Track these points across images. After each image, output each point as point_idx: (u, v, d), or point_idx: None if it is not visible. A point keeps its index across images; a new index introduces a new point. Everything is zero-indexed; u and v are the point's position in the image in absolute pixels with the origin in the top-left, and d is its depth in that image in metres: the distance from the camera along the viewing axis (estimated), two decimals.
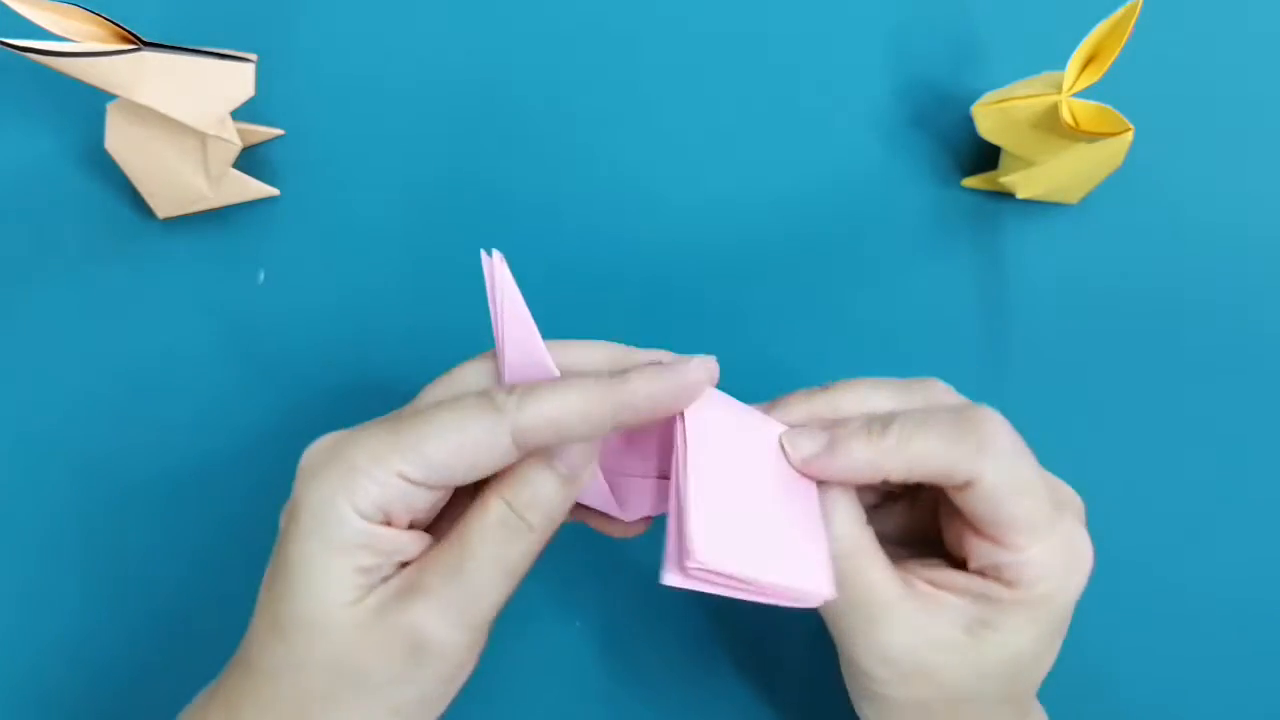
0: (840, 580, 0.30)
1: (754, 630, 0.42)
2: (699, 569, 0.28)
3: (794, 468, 0.32)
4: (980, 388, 0.43)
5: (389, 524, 0.30)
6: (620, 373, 0.30)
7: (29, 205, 0.43)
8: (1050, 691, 0.43)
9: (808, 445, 0.32)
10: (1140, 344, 0.44)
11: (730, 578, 0.28)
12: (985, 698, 0.32)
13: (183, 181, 0.41)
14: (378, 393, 0.43)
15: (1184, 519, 0.43)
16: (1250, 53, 0.45)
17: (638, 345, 0.43)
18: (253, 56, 0.38)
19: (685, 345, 0.43)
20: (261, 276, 0.43)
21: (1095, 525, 0.43)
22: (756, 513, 0.30)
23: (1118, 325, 0.44)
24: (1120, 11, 0.37)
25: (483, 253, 0.31)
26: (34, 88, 0.43)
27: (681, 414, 0.31)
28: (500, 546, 0.30)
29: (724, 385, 0.43)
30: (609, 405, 0.29)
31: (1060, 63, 0.38)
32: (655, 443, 0.33)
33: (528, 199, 0.44)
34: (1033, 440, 0.43)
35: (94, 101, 0.40)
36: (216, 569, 0.41)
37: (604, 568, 0.42)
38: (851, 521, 0.32)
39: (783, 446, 0.32)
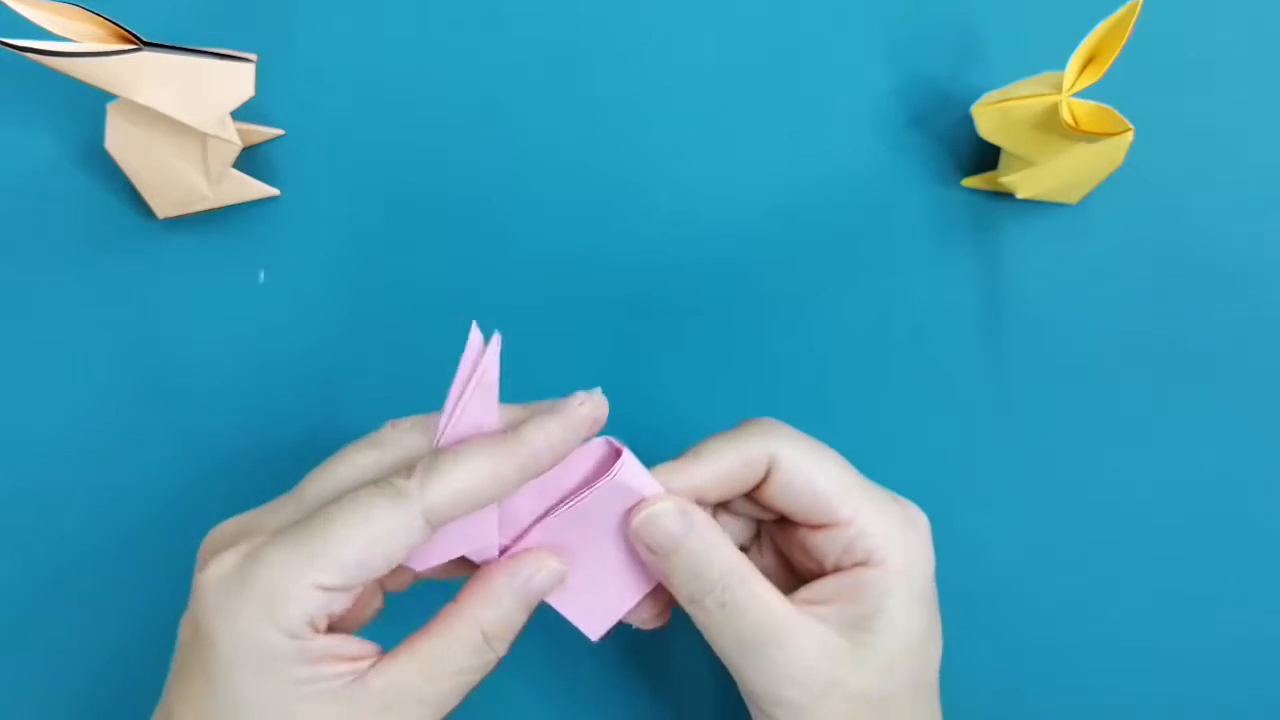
0: (734, 609, 0.32)
1: None
2: None
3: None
4: (980, 387, 0.44)
5: (316, 631, 0.29)
6: (512, 430, 0.30)
7: (29, 205, 0.43)
8: (1054, 693, 0.43)
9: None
10: (1140, 344, 0.44)
11: None
12: (899, 695, 0.32)
13: (183, 181, 0.41)
14: (377, 393, 0.43)
15: (1185, 517, 0.43)
16: (1250, 53, 0.45)
17: (633, 345, 0.43)
18: (253, 56, 0.38)
19: (683, 345, 0.43)
20: (261, 276, 0.43)
21: (1096, 523, 0.43)
22: (585, 555, 0.33)
23: (1117, 325, 0.44)
24: (1120, 11, 0.37)
25: (475, 326, 0.30)
26: (34, 88, 0.43)
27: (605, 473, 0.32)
28: (471, 675, 0.31)
29: (724, 385, 0.43)
30: (513, 463, 0.30)
31: (1060, 63, 0.38)
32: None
33: (527, 198, 0.44)
34: (1032, 440, 0.43)
35: (94, 101, 0.40)
36: None
37: None
38: (733, 548, 0.32)
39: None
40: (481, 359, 0.30)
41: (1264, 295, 0.44)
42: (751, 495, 0.34)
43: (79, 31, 0.37)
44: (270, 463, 0.39)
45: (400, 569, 0.34)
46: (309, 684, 0.29)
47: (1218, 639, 0.43)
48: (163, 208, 0.42)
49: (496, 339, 0.31)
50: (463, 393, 0.31)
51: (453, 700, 0.31)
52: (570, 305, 0.43)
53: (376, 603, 0.34)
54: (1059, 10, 0.43)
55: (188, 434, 0.42)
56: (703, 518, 0.32)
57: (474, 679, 0.31)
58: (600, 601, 0.34)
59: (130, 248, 0.43)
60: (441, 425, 0.31)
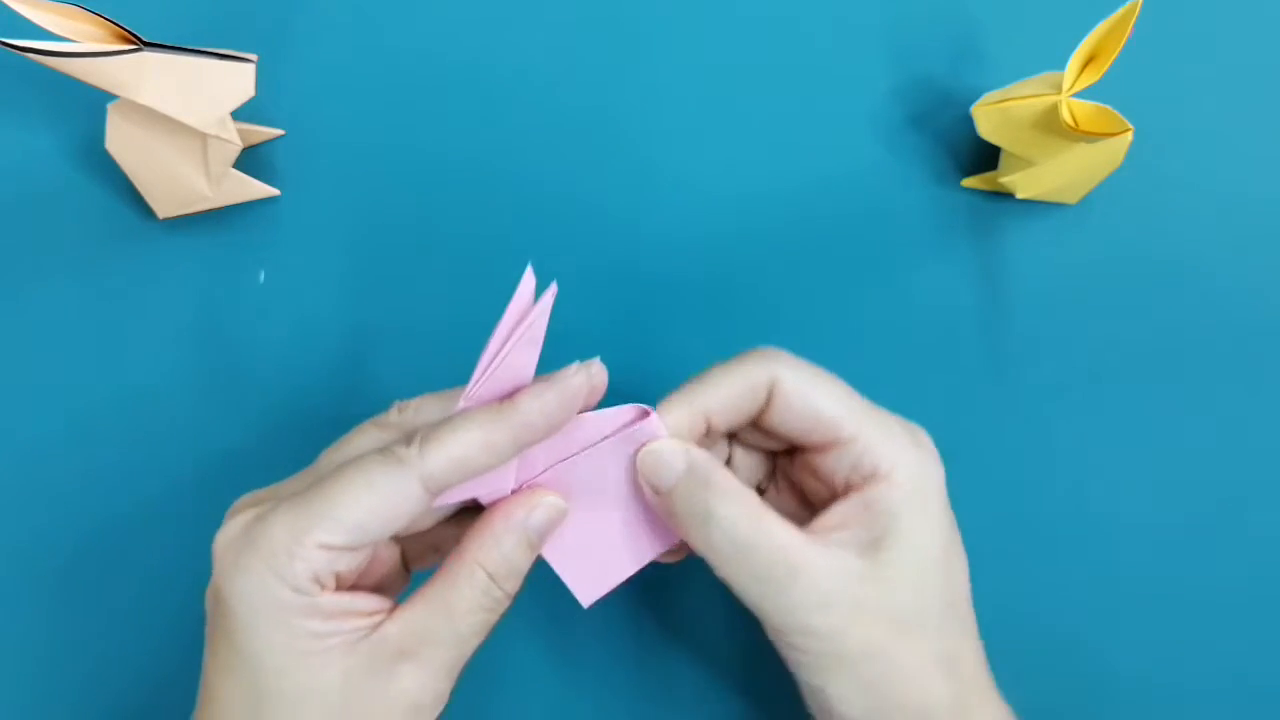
0: (745, 547, 0.32)
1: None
2: None
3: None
4: (980, 387, 0.44)
5: (324, 588, 0.30)
6: (508, 399, 0.31)
7: (29, 206, 0.43)
8: (1051, 687, 0.43)
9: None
10: (1140, 344, 0.44)
11: None
12: (928, 615, 0.32)
13: (183, 181, 0.41)
14: (377, 393, 0.43)
15: (1185, 517, 0.43)
16: (1250, 53, 0.45)
17: (629, 345, 0.43)
18: (253, 56, 0.38)
19: (682, 344, 0.43)
20: (261, 276, 0.43)
21: (1096, 521, 0.43)
22: (591, 515, 0.33)
23: (1117, 325, 0.44)
24: (1120, 11, 0.37)
25: (529, 270, 0.30)
26: (34, 88, 0.43)
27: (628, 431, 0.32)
28: (484, 614, 0.32)
29: None
30: (508, 432, 0.30)
31: (1060, 63, 0.38)
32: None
33: (526, 199, 0.44)
34: (1032, 438, 0.43)
35: (94, 101, 0.40)
36: None
37: None
38: (740, 486, 0.33)
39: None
40: (532, 310, 0.30)
41: (1264, 295, 0.44)
42: (757, 423, 0.35)
43: (79, 31, 0.37)
44: (271, 463, 0.38)
45: (425, 548, 0.35)
46: (325, 637, 0.30)
47: (1217, 639, 0.43)
48: (163, 208, 0.42)
49: (552, 291, 0.30)
50: (506, 341, 0.30)
51: (470, 639, 0.31)
52: (568, 303, 0.43)
53: (395, 569, 0.35)
54: (1059, 10, 0.43)
55: (188, 434, 0.42)
56: (705, 456, 0.33)
57: (488, 617, 0.32)
58: (596, 566, 0.34)
59: (130, 248, 0.43)
60: (478, 373, 0.31)
